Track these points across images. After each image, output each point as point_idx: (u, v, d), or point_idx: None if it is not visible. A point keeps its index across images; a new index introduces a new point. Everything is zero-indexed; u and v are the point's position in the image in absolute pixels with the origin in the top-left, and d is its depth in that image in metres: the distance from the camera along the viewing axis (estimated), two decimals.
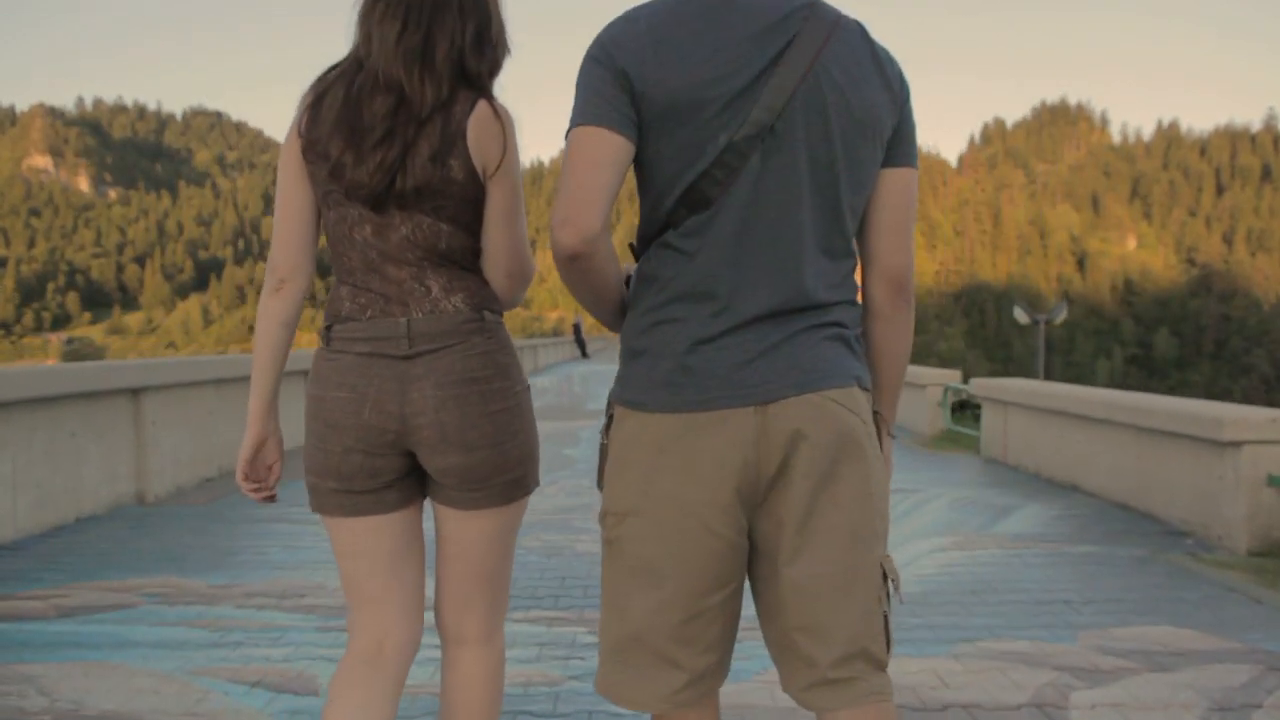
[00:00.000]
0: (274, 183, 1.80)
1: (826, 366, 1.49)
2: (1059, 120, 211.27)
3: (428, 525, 1.91)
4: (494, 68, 1.79)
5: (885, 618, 1.52)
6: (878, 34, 1.58)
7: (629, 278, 1.63)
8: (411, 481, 1.83)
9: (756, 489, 1.48)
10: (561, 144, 1.52)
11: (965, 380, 11.20)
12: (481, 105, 1.72)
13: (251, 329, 1.93)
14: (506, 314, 1.91)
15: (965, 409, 12.13)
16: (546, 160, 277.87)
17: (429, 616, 1.95)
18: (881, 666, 1.53)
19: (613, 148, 1.44)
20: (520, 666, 3.22)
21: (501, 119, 1.74)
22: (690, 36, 1.46)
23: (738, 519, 1.49)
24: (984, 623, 3.77)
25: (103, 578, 4.47)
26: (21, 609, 3.97)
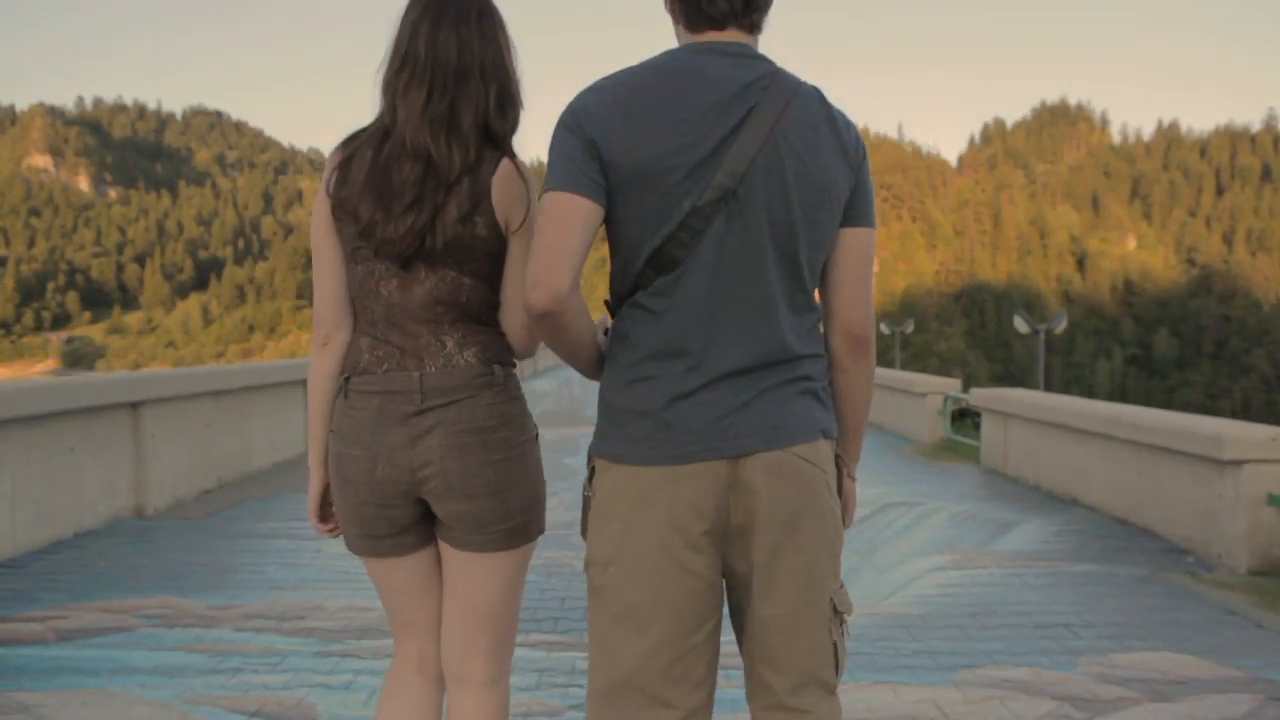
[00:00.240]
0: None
1: (794, 422, 1.60)
2: (1059, 120, 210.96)
3: None
4: (515, 126, 1.85)
5: (835, 645, 1.66)
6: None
7: (607, 330, 1.71)
8: (427, 525, 1.91)
9: (727, 533, 1.59)
10: None
11: (965, 388, 11.20)
12: (505, 165, 1.79)
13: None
14: None
15: (965, 416, 12.10)
16: (546, 160, 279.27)
17: None
18: (831, 690, 1.68)
19: (583, 212, 1.52)
20: (520, 695, 3.21)
21: (525, 178, 1.81)
22: (657, 106, 1.53)
23: (713, 559, 1.60)
24: (984, 647, 3.77)
25: (101, 598, 4.47)
26: (20, 632, 3.97)
